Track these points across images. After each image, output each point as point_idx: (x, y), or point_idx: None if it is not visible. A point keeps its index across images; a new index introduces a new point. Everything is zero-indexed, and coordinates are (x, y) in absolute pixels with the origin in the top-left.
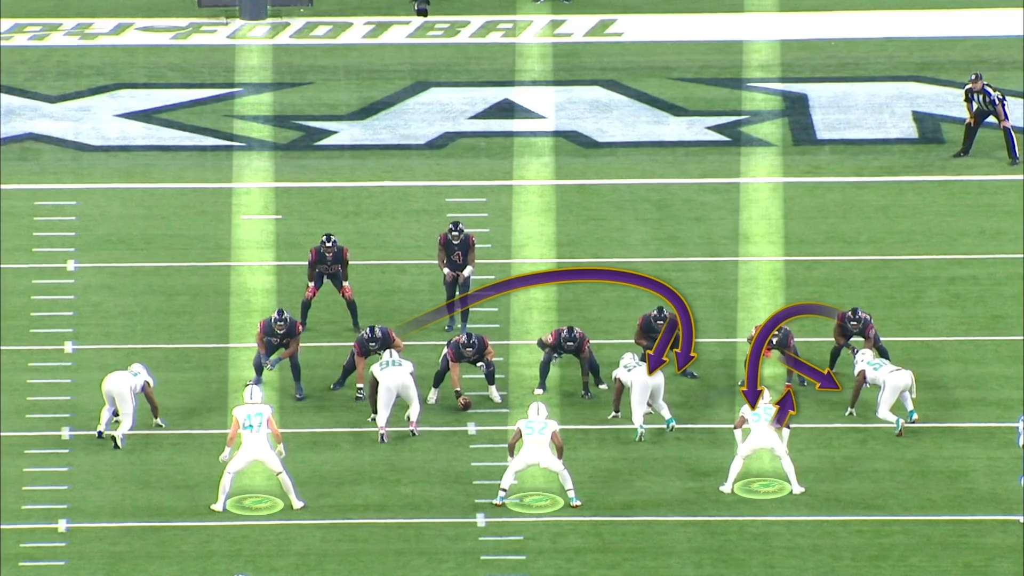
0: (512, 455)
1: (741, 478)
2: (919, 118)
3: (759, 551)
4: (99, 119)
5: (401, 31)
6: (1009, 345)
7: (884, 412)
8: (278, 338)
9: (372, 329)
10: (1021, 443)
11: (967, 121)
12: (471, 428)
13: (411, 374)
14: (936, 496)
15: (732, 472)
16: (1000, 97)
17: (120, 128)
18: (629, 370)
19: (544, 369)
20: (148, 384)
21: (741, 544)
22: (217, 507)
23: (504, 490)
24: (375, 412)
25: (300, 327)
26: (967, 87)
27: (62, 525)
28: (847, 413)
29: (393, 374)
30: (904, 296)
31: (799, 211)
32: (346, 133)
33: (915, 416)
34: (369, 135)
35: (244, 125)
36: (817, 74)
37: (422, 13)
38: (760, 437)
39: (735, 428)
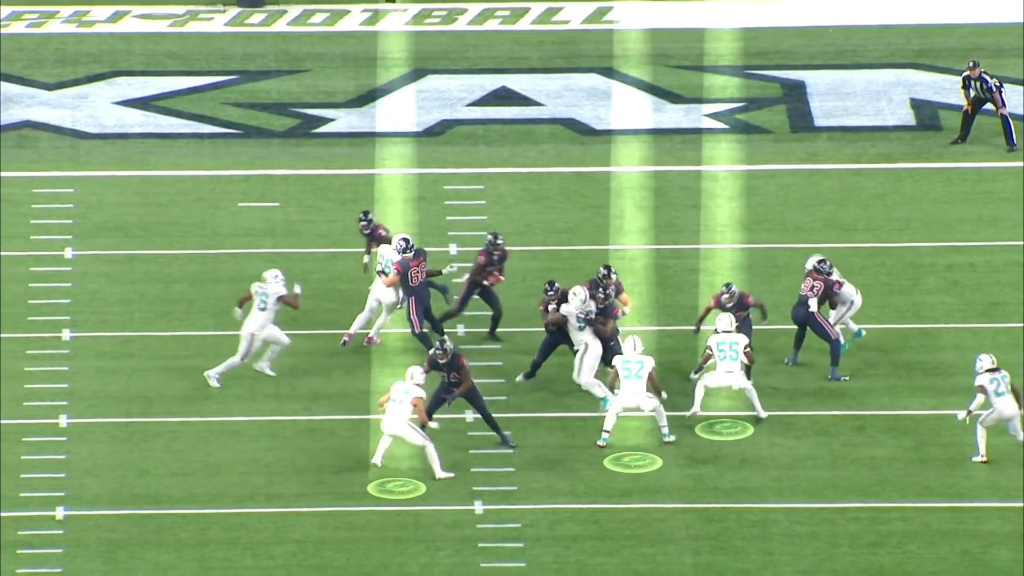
0: (613, 392)
1: (706, 419)
2: (917, 105)
3: (757, 538)
4: (96, 107)
5: (399, 18)
6: (1007, 332)
7: (834, 319)
8: (444, 371)
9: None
10: (976, 382)
11: (965, 108)
12: (468, 416)
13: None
14: (934, 483)
15: (697, 396)
16: (998, 84)
17: (117, 115)
18: (580, 327)
19: (537, 364)
20: (282, 297)
21: (739, 531)
22: (375, 460)
23: (607, 431)
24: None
25: (464, 359)
26: (965, 74)
27: (60, 512)
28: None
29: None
30: (902, 283)
31: (797, 198)
32: (344, 120)
33: (863, 334)
34: (367, 122)
35: (242, 113)
36: (815, 61)
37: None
38: (724, 376)
39: (702, 362)
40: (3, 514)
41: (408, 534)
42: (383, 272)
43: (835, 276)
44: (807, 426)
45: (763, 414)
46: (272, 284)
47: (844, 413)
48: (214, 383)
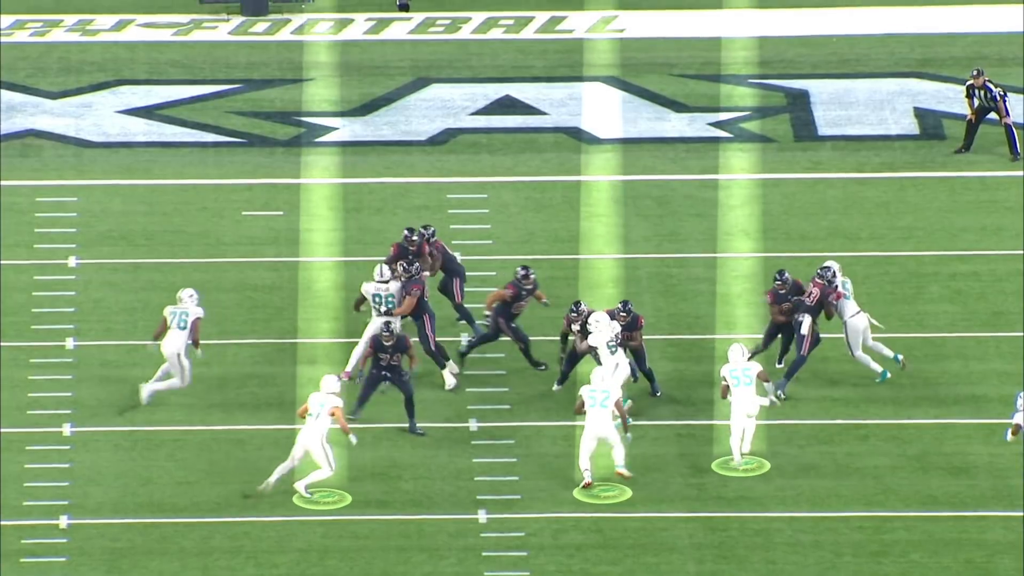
0: (578, 414)
1: (720, 456)
2: (920, 114)
3: (760, 547)
4: (100, 115)
5: (402, 27)
6: (1010, 342)
7: (861, 356)
8: (387, 353)
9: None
10: (1014, 420)
11: (968, 117)
12: (472, 424)
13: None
14: (937, 492)
15: (735, 446)
16: (1001, 93)
17: (121, 124)
18: (612, 352)
19: (565, 373)
20: (198, 319)
21: (742, 540)
22: (262, 487)
23: (587, 469)
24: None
25: (409, 340)
26: (968, 83)
27: (63, 521)
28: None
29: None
30: (905, 292)
31: (800, 207)
32: (347, 129)
33: (901, 358)
34: (370, 131)
35: (245, 121)
36: (818, 70)
37: (403, 8)
38: (744, 404)
39: (723, 398)
40: (6, 523)
41: (412, 543)
42: (388, 312)
43: (839, 286)
44: (810, 435)
45: (745, 450)
46: (189, 304)
47: (847, 422)
48: (145, 398)
